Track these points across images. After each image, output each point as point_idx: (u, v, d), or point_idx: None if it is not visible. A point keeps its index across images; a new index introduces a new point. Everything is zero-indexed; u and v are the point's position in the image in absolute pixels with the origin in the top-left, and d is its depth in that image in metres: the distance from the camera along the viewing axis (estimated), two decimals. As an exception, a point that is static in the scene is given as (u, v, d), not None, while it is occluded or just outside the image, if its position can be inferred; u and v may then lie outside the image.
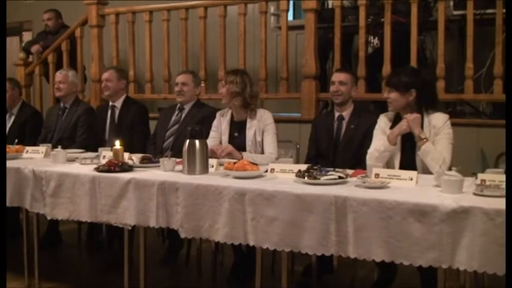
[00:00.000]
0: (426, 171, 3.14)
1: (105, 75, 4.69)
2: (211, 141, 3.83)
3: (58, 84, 4.80)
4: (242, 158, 3.59)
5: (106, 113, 4.71)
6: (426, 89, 3.41)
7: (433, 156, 3.15)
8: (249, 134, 3.88)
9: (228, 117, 4.01)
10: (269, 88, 5.28)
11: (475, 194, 2.48)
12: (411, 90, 3.32)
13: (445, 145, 3.24)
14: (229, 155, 3.67)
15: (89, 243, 4.65)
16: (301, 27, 5.24)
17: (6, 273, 3.19)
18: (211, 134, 4.00)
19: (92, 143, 4.52)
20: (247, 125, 3.91)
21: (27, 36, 8.29)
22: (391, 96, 3.36)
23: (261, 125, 3.87)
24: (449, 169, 2.85)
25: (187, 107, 4.38)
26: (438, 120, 3.30)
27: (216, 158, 3.50)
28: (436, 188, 2.65)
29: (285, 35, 5.10)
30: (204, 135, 3.24)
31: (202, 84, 5.12)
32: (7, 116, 5.09)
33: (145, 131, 4.69)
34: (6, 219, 3.48)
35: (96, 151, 3.95)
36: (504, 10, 4.13)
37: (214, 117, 4.12)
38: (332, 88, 3.86)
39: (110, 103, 4.70)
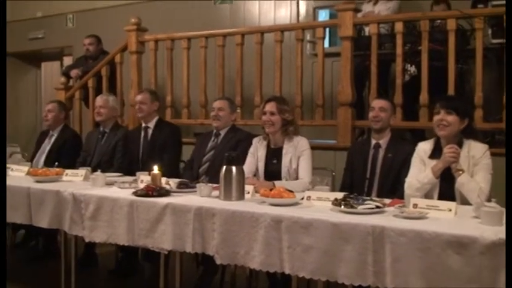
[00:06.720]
0: (465, 202, 3.09)
1: (138, 98, 4.82)
2: (247, 167, 3.83)
3: (99, 109, 4.91)
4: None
5: (139, 134, 4.83)
6: (473, 119, 3.41)
7: (470, 187, 3.11)
8: (285, 160, 3.87)
9: (264, 143, 4.01)
10: (305, 115, 5.29)
11: (515, 226, 2.43)
12: (466, 118, 3.28)
13: (484, 175, 3.19)
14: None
15: (121, 266, 4.67)
16: (337, 55, 5.25)
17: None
18: (248, 159, 3.98)
19: (126, 165, 4.65)
20: (284, 151, 3.89)
21: (67, 61, 8.51)
22: (449, 119, 3.24)
23: (297, 152, 3.86)
24: (489, 200, 2.80)
25: (222, 132, 4.43)
26: (477, 150, 3.25)
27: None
28: (475, 219, 2.61)
29: (321, 62, 5.14)
30: (241, 161, 3.25)
31: (238, 110, 5.15)
32: (48, 137, 5.22)
33: (177, 151, 4.79)
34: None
35: (131, 172, 4.01)
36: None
37: (248, 140, 4.14)
38: (372, 114, 3.85)
39: (143, 124, 4.82)
